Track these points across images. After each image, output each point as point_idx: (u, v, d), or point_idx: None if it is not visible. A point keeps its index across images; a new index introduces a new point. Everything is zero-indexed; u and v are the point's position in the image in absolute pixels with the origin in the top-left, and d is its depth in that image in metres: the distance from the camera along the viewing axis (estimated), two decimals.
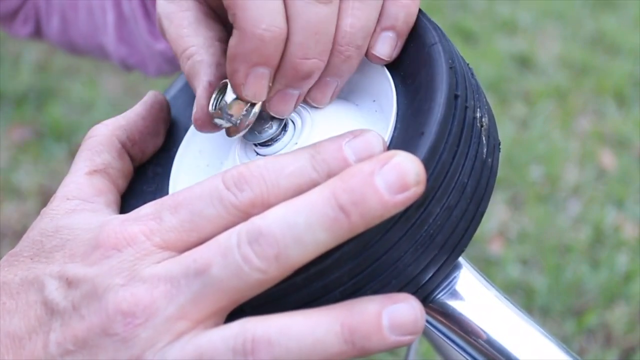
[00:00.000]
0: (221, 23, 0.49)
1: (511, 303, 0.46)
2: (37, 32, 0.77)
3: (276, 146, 0.47)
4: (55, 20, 0.74)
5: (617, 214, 1.94)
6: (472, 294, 0.45)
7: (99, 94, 2.30)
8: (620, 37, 2.59)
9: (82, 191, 0.45)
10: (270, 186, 0.40)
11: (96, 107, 2.24)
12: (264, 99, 0.46)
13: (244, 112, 0.46)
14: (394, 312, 0.38)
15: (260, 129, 0.47)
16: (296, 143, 0.47)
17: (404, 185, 0.38)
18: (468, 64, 0.47)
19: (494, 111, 0.50)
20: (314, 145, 0.41)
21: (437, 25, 0.46)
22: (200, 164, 0.50)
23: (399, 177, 0.38)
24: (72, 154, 2.05)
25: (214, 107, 0.46)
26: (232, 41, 0.44)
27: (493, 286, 0.46)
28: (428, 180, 0.41)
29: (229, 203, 0.40)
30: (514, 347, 0.45)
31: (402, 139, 0.43)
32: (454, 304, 0.45)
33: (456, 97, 0.43)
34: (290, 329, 0.38)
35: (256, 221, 0.38)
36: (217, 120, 0.46)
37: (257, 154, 0.47)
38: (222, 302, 0.39)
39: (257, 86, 0.45)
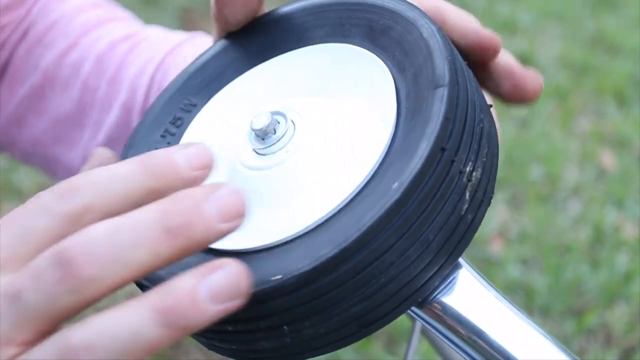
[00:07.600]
0: None
1: (510, 303, 0.46)
2: None
3: (274, 137, 0.47)
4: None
5: (617, 214, 1.94)
6: (472, 294, 0.45)
7: None
8: (620, 37, 2.59)
9: None
10: (99, 191, 0.38)
11: None
12: None
13: None
14: (212, 282, 0.36)
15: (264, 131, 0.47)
16: (292, 135, 0.47)
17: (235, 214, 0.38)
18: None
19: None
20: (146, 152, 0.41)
21: (453, 59, 0.44)
22: None
23: (228, 206, 0.38)
24: None
25: None
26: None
27: (492, 286, 0.46)
28: (388, 230, 0.40)
29: (57, 213, 0.38)
30: (513, 347, 0.45)
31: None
32: (453, 304, 0.45)
33: (443, 150, 0.41)
34: (108, 327, 0.36)
35: (72, 240, 0.37)
36: None
37: (257, 153, 0.48)
38: (45, 324, 0.37)
39: None
